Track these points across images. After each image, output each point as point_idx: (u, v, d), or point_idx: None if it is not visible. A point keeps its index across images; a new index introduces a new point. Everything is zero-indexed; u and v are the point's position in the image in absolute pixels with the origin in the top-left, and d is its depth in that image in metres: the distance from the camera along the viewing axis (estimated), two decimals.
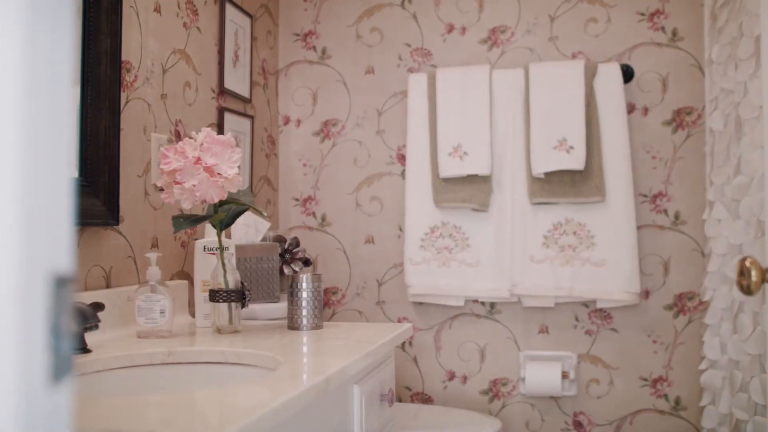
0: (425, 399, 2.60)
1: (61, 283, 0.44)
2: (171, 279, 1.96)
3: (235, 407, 0.96)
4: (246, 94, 2.44)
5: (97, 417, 0.90)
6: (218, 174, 1.55)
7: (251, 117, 2.47)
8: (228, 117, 2.30)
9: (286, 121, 2.76)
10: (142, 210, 1.83)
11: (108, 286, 1.68)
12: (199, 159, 1.54)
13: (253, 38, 2.51)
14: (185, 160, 1.53)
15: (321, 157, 2.72)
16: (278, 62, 2.76)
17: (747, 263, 0.97)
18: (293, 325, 1.73)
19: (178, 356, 1.43)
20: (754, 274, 0.96)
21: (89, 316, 1.25)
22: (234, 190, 1.59)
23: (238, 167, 2.37)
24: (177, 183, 1.54)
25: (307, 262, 2.35)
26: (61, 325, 0.44)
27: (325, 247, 2.71)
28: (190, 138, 1.58)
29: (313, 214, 2.73)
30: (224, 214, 1.67)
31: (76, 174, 1.57)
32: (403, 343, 2.63)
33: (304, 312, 1.73)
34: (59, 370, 0.44)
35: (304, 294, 1.73)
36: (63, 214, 0.45)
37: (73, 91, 1.56)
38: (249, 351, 1.41)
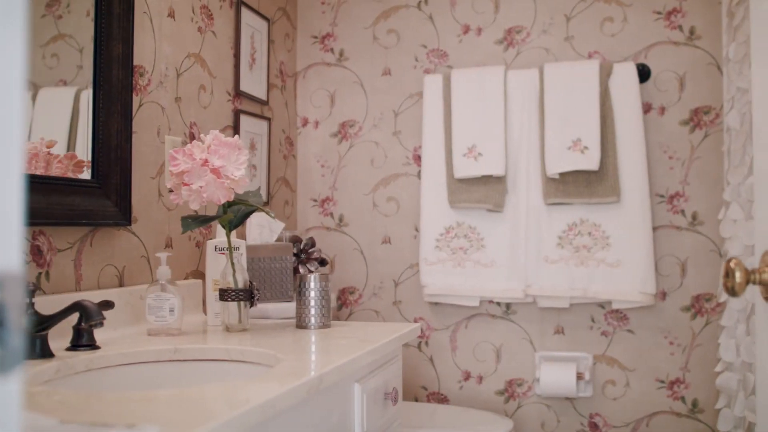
0: (441, 399, 2.61)
1: (8, 280, 0.47)
2: (186, 278, 2.00)
3: (221, 403, 0.99)
4: (263, 96, 2.47)
5: (88, 410, 0.93)
6: (225, 175, 1.58)
7: (268, 119, 2.51)
8: (244, 119, 2.34)
9: (305, 122, 2.79)
10: (156, 211, 1.87)
11: (121, 285, 1.73)
12: (206, 161, 1.58)
13: (270, 41, 2.55)
14: (193, 162, 1.57)
15: (338, 158, 2.75)
16: (296, 64, 2.80)
17: (732, 264, 0.96)
18: (301, 324, 1.76)
19: (184, 353, 1.47)
20: (738, 275, 0.95)
21: (94, 314, 1.29)
22: (240, 191, 1.62)
23: (253, 166, 2.40)
24: (185, 184, 1.58)
25: (323, 262, 2.37)
26: (10, 320, 0.47)
27: (343, 248, 2.74)
28: (200, 141, 1.61)
29: (331, 214, 2.76)
30: (232, 215, 1.70)
31: (88, 176, 1.61)
32: (420, 342, 2.64)
33: (312, 311, 1.75)
34: (6, 362, 0.47)
35: (312, 293, 1.76)
36: (12, 213, 0.48)
37: (86, 95, 1.61)
38: (251, 349, 1.43)
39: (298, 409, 1.17)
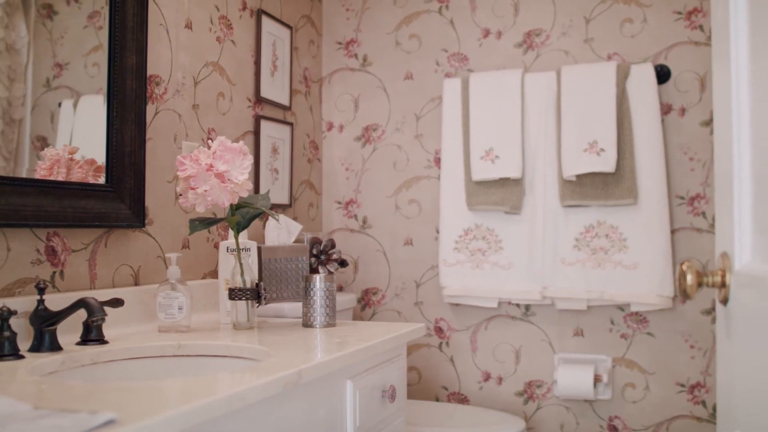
0: (461, 399, 2.64)
1: None
2: (203, 278, 2.09)
3: (191, 394, 1.05)
4: (285, 102, 2.55)
5: (65, 397, 1.01)
6: (229, 179, 1.66)
7: (291, 124, 2.58)
8: (265, 124, 2.41)
9: (330, 126, 2.86)
10: (173, 213, 1.96)
11: (137, 284, 1.82)
12: (211, 166, 1.65)
13: (293, 48, 2.62)
14: (198, 167, 1.65)
15: (362, 161, 2.81)
16: (322, 70, 2.86)
17: (684, 267, 0.97)
18: (307, 322, 1.82)
19: (187, 349, 1.54)
20: (689, 277, 0.96)
21: (96, 311, 1.37)
22: (244, 195, 1.69)
23: (275, 170, 2.47)
24: (191, 188, 1.66)
25: (343, 263, 2.42)
26: None
27: (366, 249, 2.79)
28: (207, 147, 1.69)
29: (355, 216, 2.81)
30: (240, 217, 1.77)
31: (102, 180, 1.71)
32: (440, 343, 2.68)
33: (318, 311, 1.81)
34: None
35: (318, 294, 1.82)
36: None
37: (100, 104, 1.71)
38: (249, 345, 1.50)
39: (279, 402, 1.23)
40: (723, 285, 0.96)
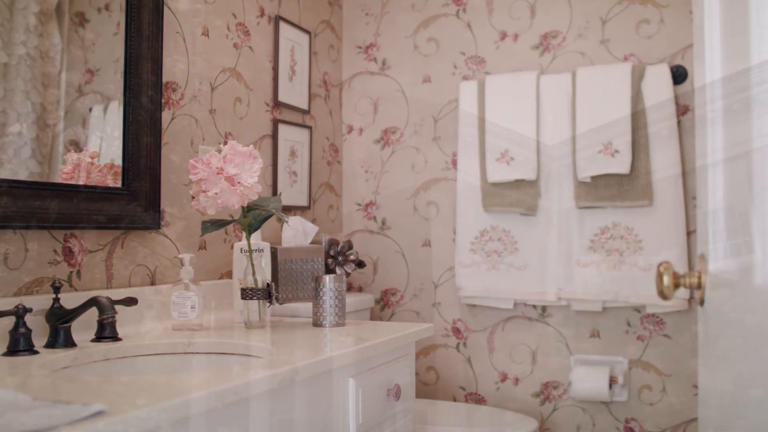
0: (479, 399, 2.66)
1: None
2: (220, 278, 2.15)
3: (190, 388, 1.10)
4: (304, 105, 2.59)
5: (65, 390, 1.06)
6: (238, 182, 1.71)
7: (309, 127, 2.63)
8: (283, 128, 2.46)
9: (349, 129, 2.90)
10: (189, 215, 2.02)
11: (153, 284, 1.88)
12: (221, 169, 1.70)
13: (312, 53, 2.67)
14: (209, 171, 1.70)
15: (381, 163, 2.84)
16: (342, 74, 2.91)
17: (661, 269, 0.99)
18: (317, 322, 1.86)
19: (196, 347, 1.60)
20: (666, 279, 0.97)
21: (106, 309, 1.43)
22: (254, 197, 1.74)
23: (293, 173, 2.52)
24: (203, 191, 1.71)
25: (360, 264, 2.47)
26: None
27: (385, 250, 2.83)
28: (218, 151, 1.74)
29: (374, 218, 2.85)
30: (251, 218, 1.82)
31: (120, 184, 1.77)
32: (458, 344, 2.70)
33: (327, 310, 1.85)
34: None
35: (327, 294, 1.86)
36: None
37: (117, 110, 1.78)
38: (254, 344, 1.55)
39: (279, 397, 1.27)
40: (699, 286, 0.98)
